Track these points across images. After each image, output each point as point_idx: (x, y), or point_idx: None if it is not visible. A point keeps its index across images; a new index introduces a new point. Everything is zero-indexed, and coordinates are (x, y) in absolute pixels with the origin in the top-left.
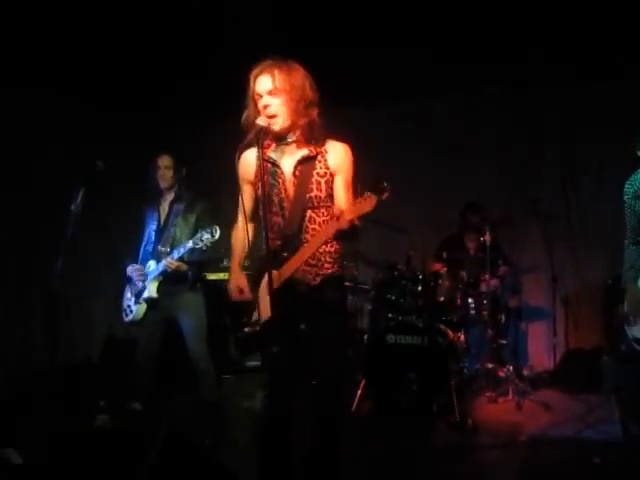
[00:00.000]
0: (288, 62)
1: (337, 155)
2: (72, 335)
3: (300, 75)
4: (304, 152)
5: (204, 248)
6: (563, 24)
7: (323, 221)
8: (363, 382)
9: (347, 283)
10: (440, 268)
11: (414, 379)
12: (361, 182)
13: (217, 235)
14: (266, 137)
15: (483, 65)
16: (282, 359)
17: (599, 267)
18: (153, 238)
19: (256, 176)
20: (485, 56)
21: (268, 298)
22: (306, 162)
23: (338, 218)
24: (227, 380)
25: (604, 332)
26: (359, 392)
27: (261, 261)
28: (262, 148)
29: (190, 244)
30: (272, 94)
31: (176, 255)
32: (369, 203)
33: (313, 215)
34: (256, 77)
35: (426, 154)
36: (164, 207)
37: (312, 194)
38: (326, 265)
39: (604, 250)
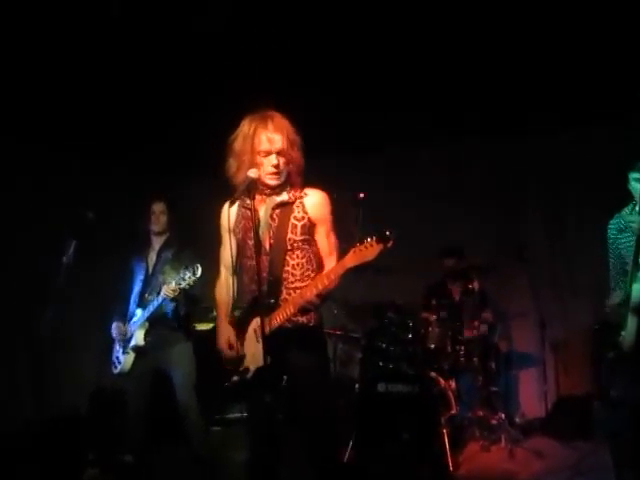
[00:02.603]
0: (282, 116)
1: (317, 203)
2: (59, 386)
3: (295, 133)
4: (283, 197)
5: (187, 287)
6: (544, 74)
7: (297, 264)
8: (355, 431)
9: (338, 332)
10: (429, 316)
11: (405, 428)
12: (356, 229)
13: (199, 273)
14: (257, 189)
15: (469, 114)
16: (272, 408)
17: (586, 312)
18: (140, 288)
19: (237, 225)
20: (470, 106)
21: (257, 345)
22: (284, 207)
23: (341, 264)
24: (215, 432)
25: (594, 378)
26: (351, 441)
27: (248, 308)
28: (253, 199)
29: (173, 284)
30: (281, 154)
31: (160, 297)
32: (372, 251)
33: (287, 258)
34: (263, 129)
35: (410, 202)
36: (152, 256)
37: (287, 237)
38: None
39: (591, 295)
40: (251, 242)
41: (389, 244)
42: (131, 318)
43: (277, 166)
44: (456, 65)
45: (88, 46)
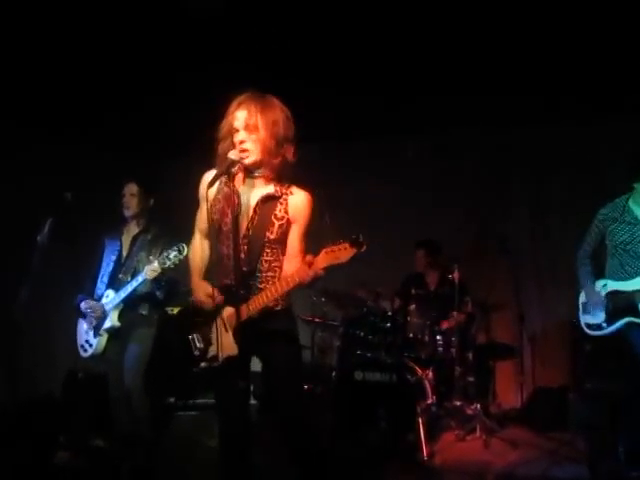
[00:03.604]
0: (266, 97)
1: (299, 204)
2: (35, 369)
3: (277, 111)
4: (269, 190)
5: (172, 266)
6: (531, 68)
7: (268, 260)
8: (331, 419)
9: (317, 319)
10: (401, 305)
11: (382, 416)
12: (333, 225)
13: (185, 252)
14: (236, 170)
15: (454, 106)
16: (244, 393)
17: (565, 305)
18: (111, 269)
19: (215, 203)
20: (457, 99)
21: (225, 335)
22: (268, 201)
23: (311, 265)
24: (189, 417)
25: (570, 370)
26: (327, 429)
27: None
28: (232, 181)
29: (156, 264)
30: (248, 130)
31: (142, 277)
32: (345, 254)
33: (263, 255)
34: (234, 111)
35: (394, 192)
36: (127, 239)
37: (266, 233)
38: (273, 302)
39: (570, 288)
40: (226, 228)
41: (362, 249)
42: (99, 299)
43: (242, 142)
44: (444, 55)
45: (69, 24)
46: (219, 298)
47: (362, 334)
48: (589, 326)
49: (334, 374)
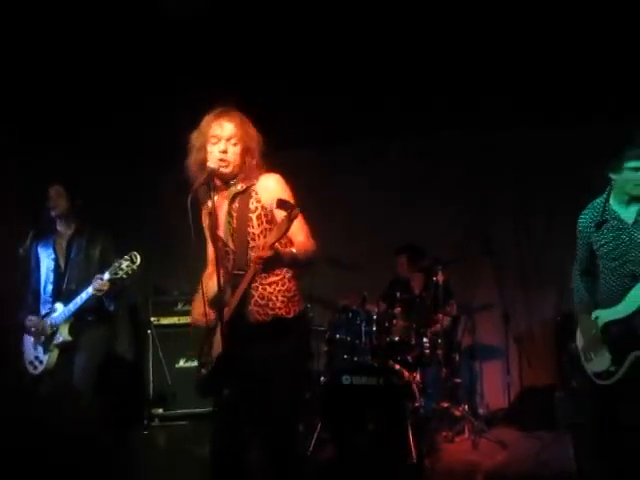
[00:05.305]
0: (239, 112)
1: (268, 188)
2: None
3: (252, 127)
4: (237, 189)
5: (124, 277)
6: (514, 70)
7: None
8: (320, 424)
9: None
10: (386, 309)
11: (370, 420)
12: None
13: (138, 261)
14: (215, 179)
15: (439, 110)
16: (231, 400)
17: (550, 305)
18: (53, 279)
19: (203, 221)
20: (441, 101)
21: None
22: (239, 198)
23: (265, 242)
24: (181, 427)
25: (556, 369)
26: (316, 434)
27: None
28: (214, 190)
29: (107, 276)
30: (231, 141)
31: (90, 290)
32: (282, 224)
33: (249, 252)
34: (216, 120)
35: (378, 195)
36: (60, 243)
37: (248, 230)
38: (278, 304)
39: (554, 288)
40: (223, 240)
41: (291, 211)
42: (49, 312)
43: (224, 151)
44: (427, 57)
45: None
46: (212, 317)
47: (349, 338)
48: (598, 375)
49: (322, 379)
